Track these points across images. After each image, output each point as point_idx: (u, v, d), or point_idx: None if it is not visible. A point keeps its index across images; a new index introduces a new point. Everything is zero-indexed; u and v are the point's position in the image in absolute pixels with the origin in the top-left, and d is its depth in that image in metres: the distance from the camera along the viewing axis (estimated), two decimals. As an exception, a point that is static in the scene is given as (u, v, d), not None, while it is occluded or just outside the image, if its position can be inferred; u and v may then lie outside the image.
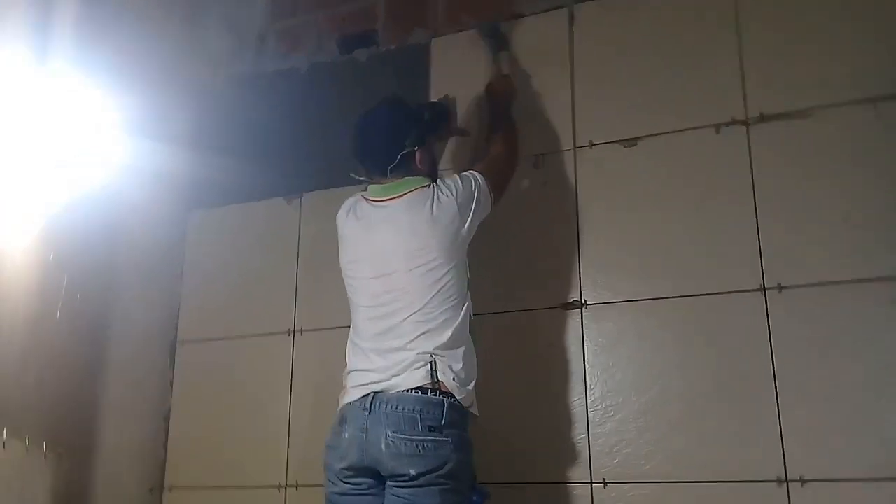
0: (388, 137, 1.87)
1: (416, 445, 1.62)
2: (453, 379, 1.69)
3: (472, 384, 1.74)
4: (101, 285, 2.22)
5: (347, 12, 2.57)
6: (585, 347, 2.00)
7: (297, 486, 2.23)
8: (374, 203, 1.88)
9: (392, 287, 1.78)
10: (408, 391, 1.67)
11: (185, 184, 2.58)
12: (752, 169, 1.94)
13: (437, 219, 1.78)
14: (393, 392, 1.68)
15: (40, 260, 1.90)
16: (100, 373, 2.21)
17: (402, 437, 1.63)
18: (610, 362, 1.97)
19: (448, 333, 1.72)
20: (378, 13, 2.52)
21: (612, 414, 1.93)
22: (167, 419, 2.45)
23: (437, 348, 1.70)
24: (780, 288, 1.85)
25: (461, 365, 1.71)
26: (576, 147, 2.13)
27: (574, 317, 2.03)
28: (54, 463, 1.94)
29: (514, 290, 2.10)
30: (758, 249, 1.88)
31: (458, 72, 2.34)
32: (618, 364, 1.96)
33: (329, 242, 2.35)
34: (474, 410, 1.75)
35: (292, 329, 2.37)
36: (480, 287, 2.11)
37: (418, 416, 1.64)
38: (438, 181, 1.87)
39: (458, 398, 1.68)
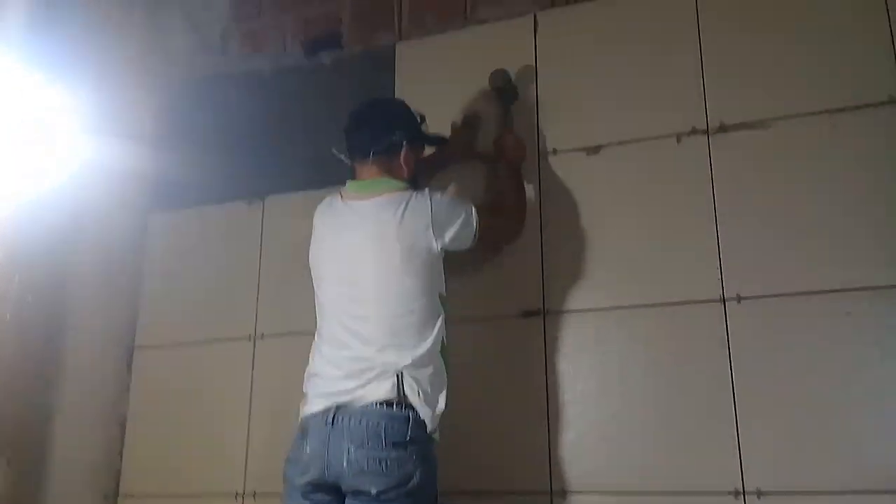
0: (383, 121, 1.88)
1: (379, 462, 1.58)
2: (418, 394, 1.65)
3: (438, 408, 1.69)
4: (56, 287, 2.17)
5: (312, 14, 2.54)
6: (547, 356, 1.99)
7: (254, 495, 2.20)
8: (348, 202, 1.85)
9: (358, 295, 1.74)
10: (372, 405, 1.63)
11: (145, 185, 2.54)
12: (712, 178, 1.95)
13: (405, 226, 1.74)
14: (357, 405, 1.63)
15: (-12, 260, 1.85)
16: (53, 377, 2.16)
17: (365, 453, 1.58)
18: (571, 371, 1.97)
19: (416, 351, 1.67)
20: (343, 16, 2.50)
21: (573, 423, 1.93)
22: (123, 426, 2.40)
23: (404, 364, 1.66)
24: (738, 298, 1.86)
25: (428, 385, 1.67)
26: (539, 153, 2.13)
27: (536, 325, 2.02)
28: (3, 469, 1.89)
29: (476, 297, 2.08)
30: (717, 259, 1.89)
31: (422, 75, 2.33)
32: (579, 373, 1.96)
33: (292, 246, 2.34)
34: (436, 436, 1.70)
35: (253, 334, 2.34)
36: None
37: (382, 432, 1.60)
38: (418, 192, 1.82)
39: (421, 416, 1.64)
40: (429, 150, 2.05)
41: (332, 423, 1.63)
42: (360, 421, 1.61)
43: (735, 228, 1.90)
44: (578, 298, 2.00)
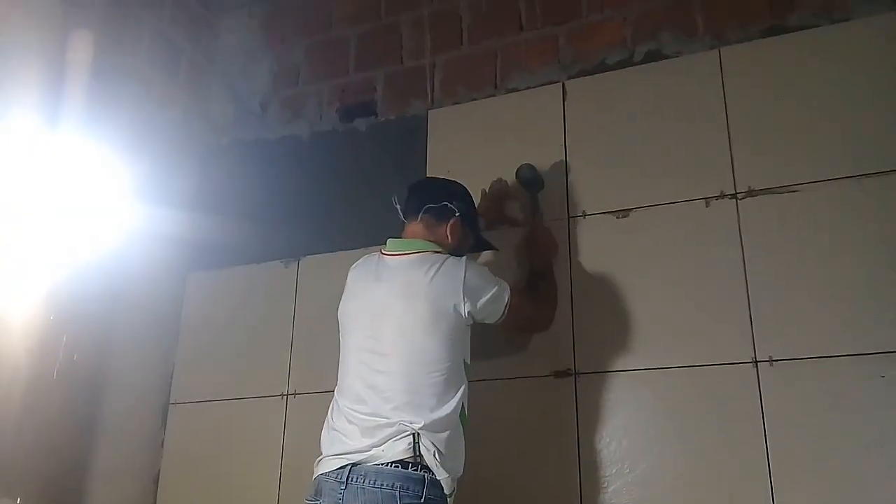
0: (447, 190, 1.93)
1: None
2: (435, 455, 1.62)
3: (455, 471, 1.67)
4: (98, 345, 2.24)
5: (348, 83, 2.65)
6: (579, 416, 2.00)
7: (285, 551, 2.20)
8: (384, 258, 1.87)
9: (380, 349, 1.73)
10: (387, 465, 1.60)
11: (185, 246, 2.62)
12: (741, 241, 1.97)
13: (435, 285, 1.73)
14: (371, 464, 1.61)
15: (41, 320, 1.92)
16: (92, 433, 2.20)
17: None
18: (603, 432, 1.97)
19: (434, 414, 1.65)
20: (377, 85, 2.60)
21: (605, 485, 1.92)
22: (156, 481, 2.43)
23: (420, 426, 1.63)
24: (771, 361, 1.86)
25: (444, 447, 1.64)
26: (569, 217, 2.18)
27: (567, 385, 2.03)
28: (43, 524, 1.92)
29: (507, 357, 2.11)
30: (749, 322, 1.90)
31: (454, 140, 2.41)
32: (611, 434, 1.96)
33: (325, 306, 2.39)
34: (451, 500, 1.66)
35: (286, 392, 2.37)
36: (473, 353, 2.13)
37: (398, 493, 1.57)
38: (455, 257, 1.82)
39: (438, 478, 1.61)
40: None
41: (347, 483, 1.60)
42: (375, 482, 1.58)
43: (766, 291, 1.91)
44: (610, 359, 2.01)
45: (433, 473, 1.61)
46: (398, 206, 1.94)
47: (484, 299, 1.78)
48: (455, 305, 1.74)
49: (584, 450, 1.96)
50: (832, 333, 1.83)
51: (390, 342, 1.73)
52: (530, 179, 2.16)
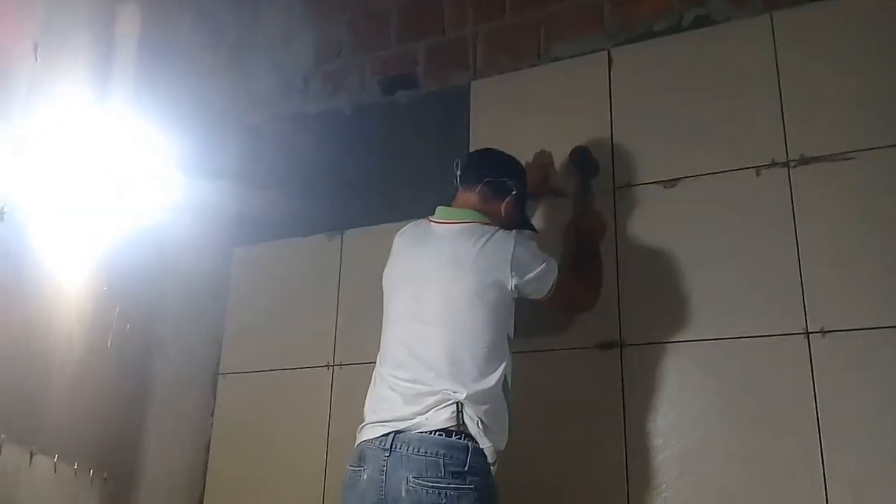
0: (508, 166, 1.93)
1: (439, 493, 1.55)
2: (478, 424, 1.62)
3: (498, 441, 1.66)
4: (149, 316, 2.29)
5: (389, 56, 2.64)
6: (625, 389, 1.99)
7: (333, 519, 2.24)
8: (432, 223, 1.86)
9: (423, 315, 1.73)
10: (430, 433, 1.61)
11: (231, 220, 2.66)
12: (793, 211, 1.93)
13: (484, 254, 1.73)
14: (415, 433, 1.61)
15: (95, 291, 1.97)
16: (145, 401, 2.26)
17: (424, 482, 1.56)
18: (649, 404, 1.96)
19: (476, 386, 1.65)
20: (418, 57, 2.59)
21: (651, 458, 1.91)
22: (207, 449, 2.49)
23: (462, 396, 1.63)
24: (823, 332, 1.83)
25: (486, 419, 1.64)
26: (615, 187, 2.15)
27: (613, 357, 2.02)
28: (100, 487, 1.99)
29: (553, 329, 2.10)
30: (800, 293, 1.87)
31: (496, 112, 2.39)
32: (657, 406, 1.95)
33: (369, 278, 2.40)
34: (494, 469, 1.66)
35: (332, 363, 2.40)
36: (518, 325, 2.13)
37: (441, 461, 1.57)
38: (505, 230, 1.80)
39: (481, 446, 1.62)
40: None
41: (391, 451, 1.61)
42: (419, 449, 1.59)
43: (818, 261, 1.88)
44: (656, 331, 2.00)
45: (476, 442, 1.61)
46: (458, 172, 1.92)
47: (531, 275, 1.76)
48: (502, 279, 1.73)
49: (629, 422, 1.96)
50: (885, 304, 1.79)
51: (434, 310, 1.73)
52: (586, 163, 2.14)
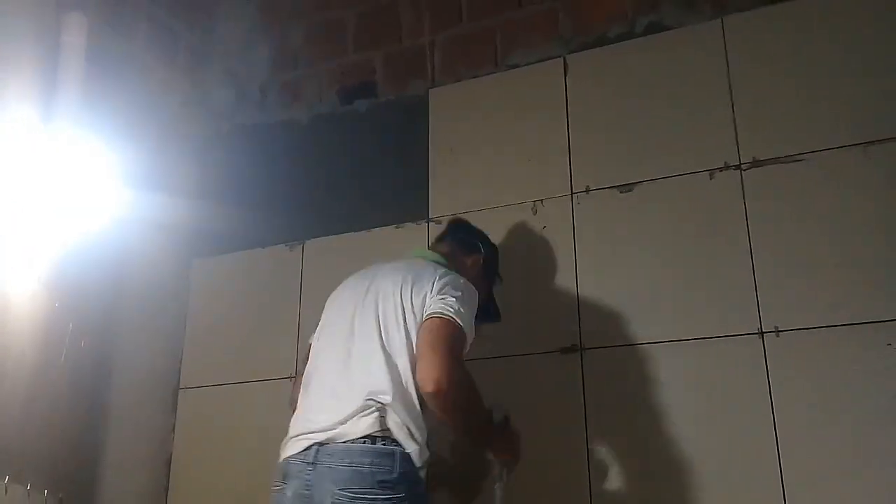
0: (479, 233, 2.00)
1: (367, 503, 1.49)
2: (403, 429, 1.56)
3: (424, 443, 1.59)
4: (105, 332, 2.24)
5: (347, 64, 2.63)
6: (585, 392, 2.00)
7: (297, 535, 2.21)
8: (395, 260, 1.86)
9: (354, 330, 1.70)
10: (355, 441, 1.54)
11: (189, 232, 2.62)
12: (746, 213, 1.96)
13: (416, 285, 1.69)
14: (339, 443, 1.55)
15: (46, 307, 1.93)
16: (102, 418, 2.21)
17: (351, 494, 1.49)
18: (610, 407, 1.97)
19: (399, 391, 1.59)
20: (376, 65, 2.59)
21: (613, 458, 1.93)
22: (168, 465, 2.45)
23: (388, 402, 1.57)
24: (777, 331, 1.86)
25: (411, 422, 1.57)
26: (573, 192, 2.17)
27: (573, 361, 2.03)
28: (57, 506, 1.94)
29: (513, 335, 2.11)
30: (754, 293, 1.90)
31: (455, 120, 2.40)
32: (618, 408, 1.96)
33: (331, 288, 2.39)
34: (423, 473, 1.59)
35: (294, 374, 2.37)
36: (479, 331, 2.13)
37: (368, 469, 1.51)
38: (455, 274, 1.75)
39: (407, 451, 1.55)
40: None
41: (315, 465, 1.55)
42: (344, 460, 1.53)
43: (771, 261, 1.91)
44: (616, 334, 2.01)
45: (402, 447, 1.56)
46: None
47: (446, 296, 1.64)
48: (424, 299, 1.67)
49: (591, 424, 1.97)
50: (838, 302, 1.83)
51: (362, 324, 1.69)
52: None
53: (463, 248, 1.93)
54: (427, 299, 1.66)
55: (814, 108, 1.97)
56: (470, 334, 1.65)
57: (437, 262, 1.82)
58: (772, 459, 1.78)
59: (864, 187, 1.88)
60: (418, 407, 1.61)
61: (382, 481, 1.51)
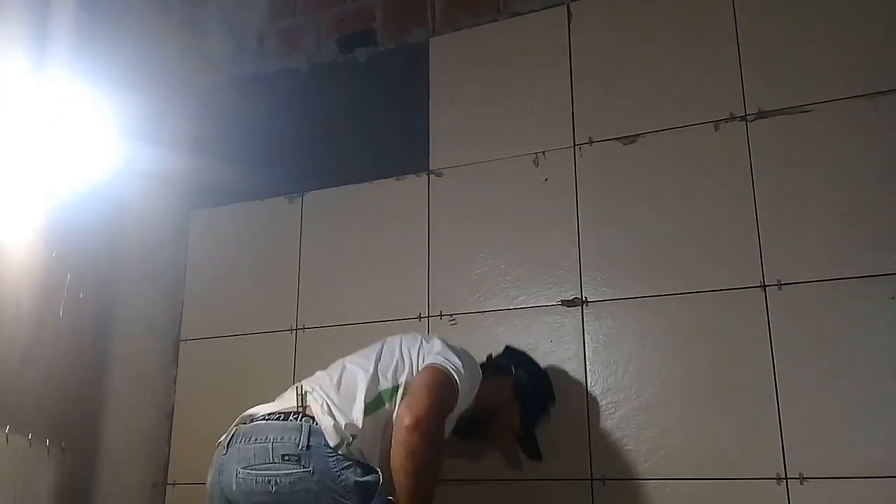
0: (527, 362, 1.90)
1: (267, 480, 1.41)
2: (322, 406, 1.46)
3: (345, 420, 1.46)
4: (105, 283, 2.24)
5: (346, 12, 2.57)
6: (586, 345, 2.00)
7: (298, 484, 2.24)
8: None
9: (329, 371, 1.67)
10: (264, 419, 1.49)
11: (188, 183, 2.60)
12: (751, 165, 1.94)
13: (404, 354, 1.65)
14: (249, 424, 1.51)
15: (43, 258, 1.91)
16: (103, 369, 2.22)
17: (252, 471, 1.43)
18: (611, 359, 1.97)
19: (338, 387, 1.54)
20: (376, 13, 2.53)
21: (612, 411, 1.93)
22: (170, 416, 2.47)
23: (317, 386, 1.52)
24: (780, 285, 1.85)
25: (336, 399, 1.49)
26: (575, 144, 2.14)
27: (575, 314, 2.03)
28: (57, 458, 1.95)
29: (515, 288, 2.10)
30: (758, 246, 1.88)
31: (456, 70, 2.35)
32: (619, 361, 1.96)
33: (331, 240, 2.39)
34: (343, 451, 1.44)
35: (294, 326, 2.38)
36: (481, 284, 2.13)
37: (270, 445, 1.42)
38: (438, 346, 1.66)
39: (322, 425, 1.43)
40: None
41: (227, 447, 1.51)
42: (251, 438, 1.47)
43: (775, 215, 1.89)
44: (617, 287, 2.00)
45: (317, 422, 1.45)
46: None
47: (450, 355, 1.61)
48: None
49: (591, 378, 1.97)
50: (841, 255, 1.81)
51: (341, 366, 1.67)
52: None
53: (494, 370, 1.79)
54: (423, 350, 1.62)
55: (821, 59, 1.93)
56: (460, 405, 1.59)
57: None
58: (772, 413, 1.78)
59: (871, 139, 1.84)
60: (356, 390, 1.54)
61: (285, 455, 1.42)
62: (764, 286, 1.86)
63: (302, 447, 1.41)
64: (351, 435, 1.46)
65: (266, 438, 1.44)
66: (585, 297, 2.03)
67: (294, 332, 2.38)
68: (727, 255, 1.91)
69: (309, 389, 1.53)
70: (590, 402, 1.96)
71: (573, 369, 1.99)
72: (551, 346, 2.03)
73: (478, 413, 1.72)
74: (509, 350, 1.94)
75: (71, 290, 2.00)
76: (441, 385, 1.54)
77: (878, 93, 1.85)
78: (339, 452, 1.43)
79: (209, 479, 1.58)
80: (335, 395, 1.52)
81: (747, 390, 1.83)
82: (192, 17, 2.71)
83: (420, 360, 1.62)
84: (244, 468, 1.44)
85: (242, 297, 2.47)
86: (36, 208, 1.90)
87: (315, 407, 1.47)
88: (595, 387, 1.96)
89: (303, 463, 1.40)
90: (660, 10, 2.12)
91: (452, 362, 1.58)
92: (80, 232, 2.06)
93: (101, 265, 2.21)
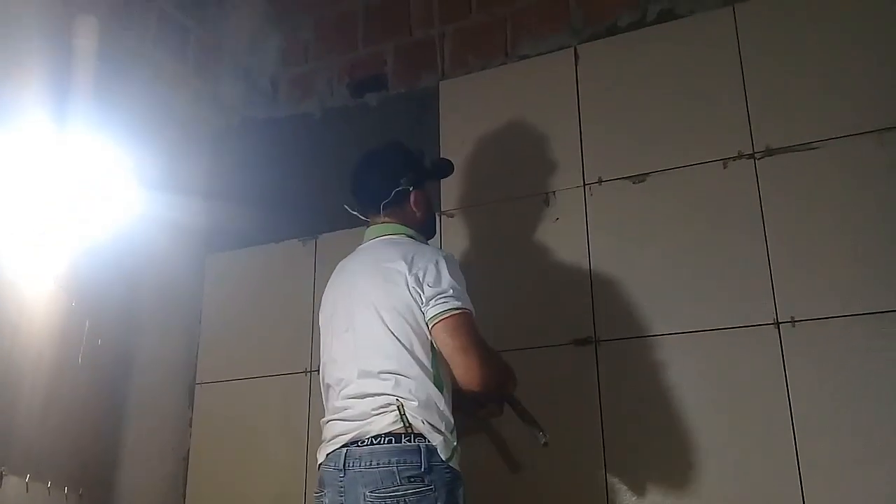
0: (385, 174, 1.86)
1: (396, 501, 1.51)
2: (423, 422, 1.57)
3: (448, 433, 1.60)
4: (122, 330, 2.27)
5: (357, 58, 2.63)
6: (600, 384, 2.00)
7: (314, 527, 2.23)
8: (359, 248, 1.87)
9: (353, 327, 1.71)
10: (379, 441, 1.58)
11: (203, 228, 2.64)
12: (760, 202, 1.95)
13: (399, 266, 1.70)
14: (364, 447, 1.58)
15: (63, 307, 1.95)
16: (120, 415, 2.24)
17: (381, 495, 1.52)
18: (625, 399, 1.97)
19: (412, 382, 1.60)
20: (387, 58, 2.58)
21: (629, 452, 1.92)
22: (186, 459, 2.47)
23: (403, 395, 1.59)
24: (793, 322, 1.85)
25: (430, 414, 1.59)
26: (585, 184, 2.16)
27: (588, 353, 2.03)
28: (77, 502, 1.96)
29: (528, 327, 2.11)
30: (770, 283, 1.89)
31: (465, 112, 2.39)
32: (633, 401, 1.96)
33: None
34: (453, 463, 1.59)
35: (309, 368, 2.39)
36: (494, 323, 2.13)
37: (395, 468, 1.54)
38: (430, 248, 1.78)
39: (433, 444, 1.56)
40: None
41: (345, 470, 1.58)
42: (371, 462, 1.56)
43: (786, 251, 1.89)
44: (629, 326, 2.01)
45: (427, 440, 1.57)
46: (354, 212, 1.90)
47: (438, 288, 1.66)
48: (412, 294, 1.68)
49: (606, 417, 1.97)
50: (854, 291, 1.81)
51: (361, 320, 1.71)
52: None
53: (398, 203, 1.83)
54: (415, 290, 1.66)
55: (827, 96, 1.95)
56: (461, 296, 1.69)
57: (394, 234, 1.80)
58: (789, 450, 1.77)
59: (880, 175, 1.86)
60: (432, 394, 1.62)
61: (411, 476, 1.54)
62: (777, 323, 1.86)
63: (425, 469, 1.54)
64: (454, 440, 1.61)
65: (389, 462, 1.55)
66: (598, 337, 2.03)
67: (308, 374, 2.39)
68: (740, 293, 1.91)
69: (400, 404, 1.59)
70: (605, 442, 1.94)
71: (587, 409, 1.99)
72: (564, 386, 2.03)
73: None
74: (373, 183, 1.87)
75: (89, 337, 2.03)
76: (468, 335, 1.66)
77: (883, 128, 1.87)
78: (451, 464, 1.59)
79: (326, 500, 1.63)
80: (419, 407, 1.59)
81: (764, 428, 1.82)
82: (206, 63, 2.78)
83: (422, 317, 1.67)
84: (372, 492, 1.54)
85: (257, 340, 2.49)
86: (58, 259, 1.94)
87: (418, 425, 1.58)
88: (610, 426, 1.95)
89: (427, 481, 1.54)
90: (666, 50, 2.16)
91: (450, 297, 1.66)
92: (98, 280, 2.10)
93: (119, 312, 2.24)
